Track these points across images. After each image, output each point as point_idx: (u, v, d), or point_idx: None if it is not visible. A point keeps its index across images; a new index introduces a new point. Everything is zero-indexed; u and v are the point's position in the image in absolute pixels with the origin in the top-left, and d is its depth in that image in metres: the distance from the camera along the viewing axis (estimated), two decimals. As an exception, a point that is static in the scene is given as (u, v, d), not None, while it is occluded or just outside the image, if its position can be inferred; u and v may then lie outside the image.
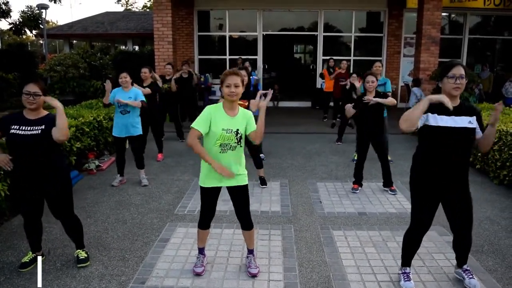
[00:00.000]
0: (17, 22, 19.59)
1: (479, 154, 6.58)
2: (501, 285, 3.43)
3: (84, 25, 17.99)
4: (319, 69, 14.29)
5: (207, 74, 13.72)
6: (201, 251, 3.65)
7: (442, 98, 2.92)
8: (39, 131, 3.34)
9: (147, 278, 3.47)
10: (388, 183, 5.70)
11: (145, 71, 7.13)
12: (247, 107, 5.30)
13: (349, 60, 13.68)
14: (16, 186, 3.52)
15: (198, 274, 3.51)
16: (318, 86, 14.11)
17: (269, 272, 3.57)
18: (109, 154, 7.53)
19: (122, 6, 42.16)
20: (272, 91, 3.35)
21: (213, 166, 3.22)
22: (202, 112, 3.29)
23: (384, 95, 5.54)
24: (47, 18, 18.23)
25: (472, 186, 3.24)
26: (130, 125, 5.82)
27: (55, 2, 18.36)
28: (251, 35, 14.52)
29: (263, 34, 14.19)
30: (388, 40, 14.09)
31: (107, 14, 20.14)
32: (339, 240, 4.21)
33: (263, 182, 5.92)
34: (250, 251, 3.63)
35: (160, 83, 7.73)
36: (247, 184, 3.46)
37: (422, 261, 3.76)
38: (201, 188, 3.44)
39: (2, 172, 4.37)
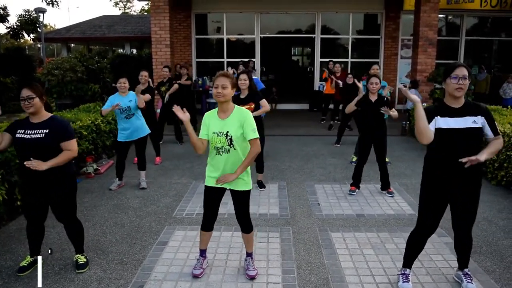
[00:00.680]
0: (15, 26, 19.58)
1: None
2: (500, 285, 3.43)
3: (82, 29, 17.99)
4: (317, 71, 14.31)
5: (204, 77, 13.73)
6: (201, 253, 3.65)
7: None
8: (43, 134, 3.36)
9: (146, 282, 3.47)
10: (385, 185, 5.70)
11: (145, 75, 7.12)
12: (253, 111, 5.20)
13: (347, 62, 13.72)
14: (22, 190, 3.53)
15: (196, 276, 3.51)
16: (316, 88, 14.13)
17: (268, 275, 3.57)
18: (107, 158, 7.53)
19: (119, 9, 42.22)
20: None
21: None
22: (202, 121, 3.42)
23: (387, 101, 5.57)
24: (44, 22, 18.24)
25: (480, 189, 3.22)
26: (140, 127, 5.85)
27: (52, 6, 18.34)
28: (248, 38, 14.54)
29: (260, 37, 14.21)
30: (385, 42, 14.12)
31: (104, 17, 20.15)
32: (337, 242, 4.21)
33: (261, 185, 5.92)
34: (249, 254, 3.64)
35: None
36: (249, 190, 3.47)
37: (420, 263, 3.76)
38: (205, 187, 3.48)
39: (0, 177, 4.36)
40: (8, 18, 18.44)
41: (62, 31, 18.41)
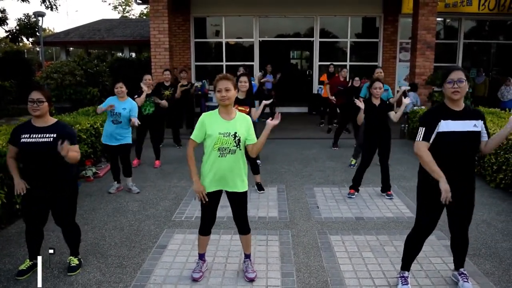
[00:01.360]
0: (14, 30, 19.61)
1: (476, 157, 6.59)
2: (498, 288, 3.44)
3: (81, 32, 18.01)
4: (315, 75, 14.33)
5: (204, 81, 13.74)
6: (201, 256, 3.65)
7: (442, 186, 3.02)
8: (51, 139, 3.37)
9: (145, 285, 3.47)
10: (386, 187, 5.71)
11: (149, 78, 7.12)
12: (248, 114, 5.32)
13: (345, 66, 13.72)
14: (24, 194, 3.53)
15: (195, 280, 3.51)
16: (315, 91, 14.15)
17: (267, 278, 3.57)
18: (106, 161, 7.53)
19: (118, 13, 42.23)
20: (280, 114, 3.36)
21: (194, 186, 3.38)
22: (197, 121, 3.35)
23: (390, 105, 5.60)
24: (43, 26, 18.25)
25: (475, 192, 3.25)
26: (119, 135, 5.77)
27: (51, 10, 18.40)
28: (247, 41, 14.57)
29: (259, 40, 14.24)
30: (384, 45, 14.16)
31: (103, 21, 20.18)
32: (336, 245, 4.21)
33: (260, 188, 5.93)
34: (247, 256, 3.64)
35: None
36: (246, 191, 3.46)
37: (419, 265, 3.77)
38: None
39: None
40: (7, 21, 18.48)
41: (61, 35, 18.43)
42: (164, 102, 7.16)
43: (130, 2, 40.55)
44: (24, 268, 3.60)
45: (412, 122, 9.66)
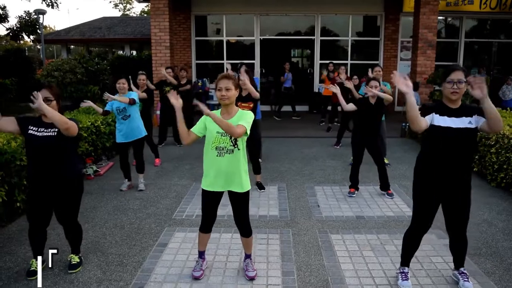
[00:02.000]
0: (15, 28, 19.61)
1: (477, 157, 6.60)
2: (499, 287, 3.43)
3: (82, 30, 18.01)
4: (316, 73, 14.32)
5: (204, 79, 13.73)
6: (201, 254, 3.65)
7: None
8: (54, 132, 3.40)
9: (145, 283, 3.47)
10: (385, 186, 5.70)
11: (143, 78, 7.16)
12: (252, 110, 5.26)
13: (346, 64, 13.71)
14: (29, 193, 3.54)
15: (196, 278, 3.51)
16: (316, 90, 14.13)
17: (268, 276, 3.57)
18: (107, 160, 7.53)
19: (119, 11, 42.23)
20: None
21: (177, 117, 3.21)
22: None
23: (383, 106, 5.58)
24: (44, 24, 18.25)
25: (471, 190, 3.26)
26: (135, 129, 5.83)
27: (52, 8, 18.39)
28: (248, 40, 14.54)
29: (260, 39, 14.22)
30: (385, 44, 14.13)
31: (104, 19, 20.17)
32: (337, 244, 4.21)
33: (260, 187, 5.93)
34: (248, 256, 3.64)
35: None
36: (248, 191, 3.45)
37: (420, 264, 3.77)
38: (203, 190, 3.45)
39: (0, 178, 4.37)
40: (8, 18, 18.46)
41: (61, 33, 18.43)
42: (142, 94, 7.02)
43: (131, 0, 40.53)
44: (32, 269, 3.54)
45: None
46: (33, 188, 3.51)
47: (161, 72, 7.11)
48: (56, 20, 79.44)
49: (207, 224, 3.54)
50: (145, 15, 32.55)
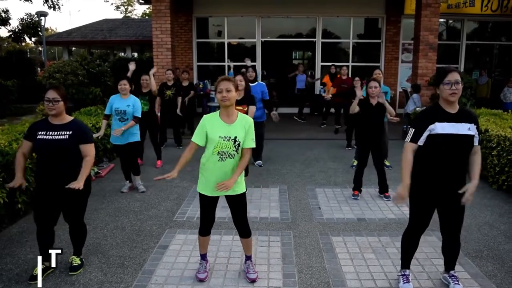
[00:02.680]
0: (17, 30, 19.66)
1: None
2: (501, 290, 3.42)
3: (83, 32, 18.03)
4: (317, 75, 14.31)
5: (205, 81, 13.75)
6: (203, 257, 3.65)
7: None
8: (67, 136, 3.42)
9: (146, 285, 3.47)
10: (383, 189, 5.70)
11: (146, 78, 7.16)
12: (246, 113, 5.33)
13: (348, 66, 13.72)
14: (37, 194, 3.55)
15: (201, 280, 3.51)
16: (317, 92, 14.13)
17: (268, 279, 3.56)
18: (108, 161, 7.53)
19: (121, 13, 42.31)
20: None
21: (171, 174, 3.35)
22: (199, 123, 3.34)
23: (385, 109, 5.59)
24: (46, 25, 18.30)
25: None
26: (129, 133, 5.81)
27: (54, 10, 18.44)
28: (249, 42, 14.56)
29: (261, 41, 14.23)
30: (386, 46, 14.13)
31: (106, 21, 20.20)
32: (338, 246, 4.20)
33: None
34: (248, 257, 3.63)
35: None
36: (244, 192, 3.45)
37: (421, 267, 3.76)
38: (199, 194, 3.44)
39: (0, 179, 4.36)
40: (10, 21, 18.51)
41: (63, 35, 18.45)
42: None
43: (133, 2, 40.62)
44: (35, 274, 3.46)
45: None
46: (41, 188, 3.51)
47: (130, 67, 7.22)
48: (57, 22, 79.56)
49: (206, 227, 3.53)
50: (147, 17, 32.61)
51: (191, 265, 3.78)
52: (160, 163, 7.42)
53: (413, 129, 3.17)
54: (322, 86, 12.94)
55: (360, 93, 5.74)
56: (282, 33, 15.04)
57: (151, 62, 11.69)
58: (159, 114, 9.01)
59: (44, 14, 16.66)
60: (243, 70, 7.35)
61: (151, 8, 12.02)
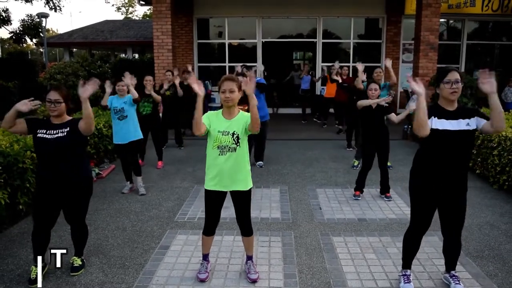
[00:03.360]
0: (18, 31, 19.68)
1: (479, 159, 6.58)
2: (502, 290, 3.42)
3: (84, 34, 18.06)
4: (318, 76, 14.30)
5: (206, 82, 13.74)
6: (205, 257, 3.65)
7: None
8: (65, 133, 3.43)
9: (147, 286, 3.47)
10: (385, 189, 5.70)
11: (149, 79, 7.15)
12: (247, 111, 5.31)
13: (348, 67, 13.72)
14: (38, 194, 3.55)
15: (202, 281, 3.51)
16: (318, 92, 14.13)
17: (269, 279, 3.57)
18: (109, 162, 7.54)
19: (122, 14, 42.36)
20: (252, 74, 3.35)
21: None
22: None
23: (387, 109, 5.57)
24: (47, 27, 18.32)
25: (472, 191, 3.26)
26: (132, 130, 5.82)
27: (55, 11, 18.48)
28: (250, 42, 14.57)
29: (262, 41, 14.24)
30: (387, 47, 14.12)
31: (107, 22, 20.24)
32: (339, 246, 4.20)
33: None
34: (249, 257, 3.63)
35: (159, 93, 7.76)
36: (250, 189, 3.45)
37: (422, 267, 3.76)
38: (206, 191, 3.45)
39: (1, 180, 4.37)
40: (11, 21, 18.55)
41: (64, 36, 18.50)
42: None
43: (133, 3, 40.66)
44: (33, 277, 3.45)
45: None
46: (41, 188, 3.51)
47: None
48: (58, 23, 79.78)
49: (210, 226, 3.53)
50: (148, 18, 32.64)
51: (192, 265, 3.79)
52: (161, 164, 7.42)
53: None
54: (322, 87, 12.91)
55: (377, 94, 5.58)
56: (283, 33, 15.05)
57: (152, 64, 11.70)
58: (160, 115, 9.03)
59: (45, 16, 16.69)
60: (243, 67, 7.36)
61: (151, 9, 12.02)
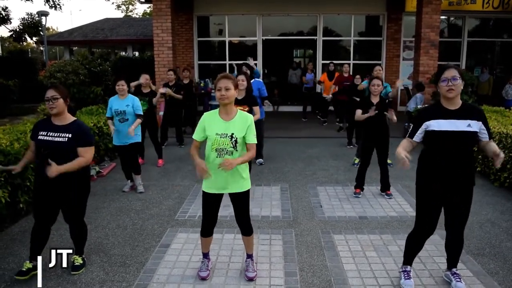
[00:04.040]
0: (18, 29, 19.67)
1: (480, 156, 6.58)
2: (503, 287, 3.42)
3: (84, 32, 18.04)
4: (319, 73, 14.28)
5: (207, 79, 13.73)
6: (205, 255, 3.65)
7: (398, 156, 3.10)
8: (65, 139, 3.41)
9: (148, 284, 3.47)
10: (385, 187, 5.70)
11: (147, 78, 7.16)
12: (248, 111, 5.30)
13: (349, 64, 13.70)
14: (36, 191, 3.56)
15: (203, 279, 3.51)
16: (318, 90, 14.11)
17: (270, 277, 3.56)
18: (110, 160, 7.54)
19: (122, 12, 42.31)
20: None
21: (197, 166, 3.29)
22: (199, 121, 3.36)
23: (389, 103, 5.57)
24: (47, 25, 18.30)
25: (473, 189, 3.24)
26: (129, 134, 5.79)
27: (55, 9, 18.45)
28: (250, 40, 14.56)
29: (262, 39, 14.22)
30: (387, 44, 14.11)
31: (107, 20, 20.21)
32: (340, 244, 4.20)
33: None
34: (249, 256, 3.63)
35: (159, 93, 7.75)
36: (248, 190, 3.45)
37: (423, 265, 3.76)
38: (203, 193, 3.44)
39: (2, 179, 4.37)
40: (10, 19, 18.53)
41: (64, 34, 18.48)
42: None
43: (134, 1, 40.60)
44: (24, 269, 3.52)
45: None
46: (40, 186, 3.51)
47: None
48: (58, 22, 79.71)
49: (207, 227, 3.52)
50: (148, 16, 32.61)
51: (192, 263, 3.79)
52: (162, 162, 7.42)
53: (412, 125, 3.25)
54: (320, 85, 12.91)
55: (372, 113, 5.59)
56: (283, 31, 15.03)
57: (152, 62, 11.69)
58: (161, 114, 9.03)
59: (45, 14, 16.66)
60: (243, 66, 7.33)
61: (152, 7, 12.00)
